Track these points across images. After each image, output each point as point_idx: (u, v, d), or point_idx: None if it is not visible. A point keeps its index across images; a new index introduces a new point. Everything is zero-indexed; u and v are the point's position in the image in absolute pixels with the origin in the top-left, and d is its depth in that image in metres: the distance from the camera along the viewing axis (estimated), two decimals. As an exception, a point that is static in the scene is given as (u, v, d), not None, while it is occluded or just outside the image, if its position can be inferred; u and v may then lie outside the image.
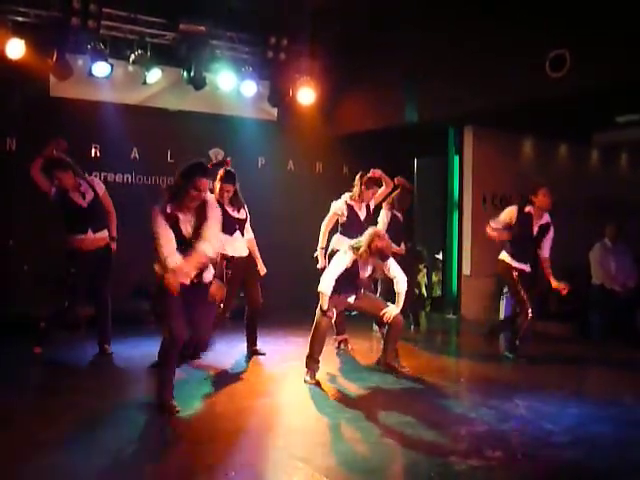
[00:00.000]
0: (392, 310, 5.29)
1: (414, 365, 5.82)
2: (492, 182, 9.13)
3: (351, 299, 5.38)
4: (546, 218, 6.00)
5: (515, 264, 5.96)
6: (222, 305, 5.77)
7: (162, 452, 3.73)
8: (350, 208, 6.29)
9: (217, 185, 5.79)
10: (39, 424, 4.08)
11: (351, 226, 6.10)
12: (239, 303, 6.16)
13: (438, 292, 9.98)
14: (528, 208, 5.96)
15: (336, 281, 5.15)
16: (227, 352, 6.18)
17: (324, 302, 5.14)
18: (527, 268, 6.01)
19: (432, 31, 7.73)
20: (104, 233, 5.83)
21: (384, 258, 5.19)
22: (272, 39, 8.21)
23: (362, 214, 6.30)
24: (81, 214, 5.72)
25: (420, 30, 7.86)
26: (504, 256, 6.06)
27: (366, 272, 5.34)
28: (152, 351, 5.85)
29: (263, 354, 6.10)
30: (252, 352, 6.11)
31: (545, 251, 5.99)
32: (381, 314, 5.32)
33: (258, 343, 6.18)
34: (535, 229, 5.95)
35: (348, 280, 5.24)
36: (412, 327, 7.65)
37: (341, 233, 6.28)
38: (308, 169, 9.38)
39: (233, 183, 5.86)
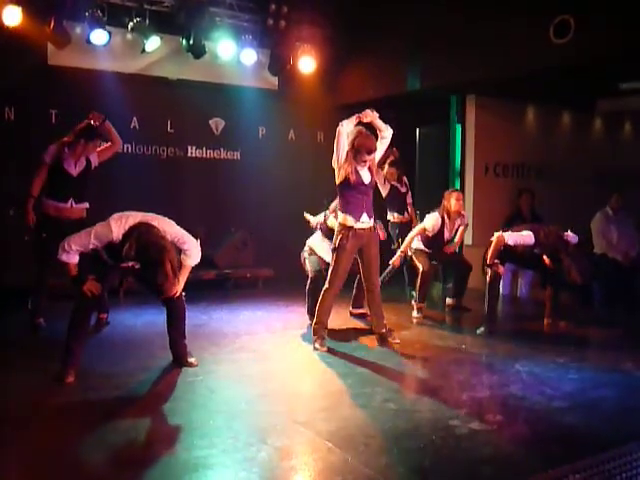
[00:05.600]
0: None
1: (416, 333, 5.86)
2: (494, 151, 9.08)
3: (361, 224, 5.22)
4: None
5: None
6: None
7: (163, 415, 3.76)
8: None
9: None
10: (43, 391, 4.12)
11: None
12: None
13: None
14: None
15: (345, 199, 5.16)
16: (229, 320, 6.21)
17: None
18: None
19: (434, -1, 7.62)
20: (84, 205, 5.75)
21: (370, 152, 5.09)
22: (272, 6, 8.07)
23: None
24: (68, 183, 5.64)
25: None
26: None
27: (367, 176, 5.22)
28: (154, 319, 5.90)
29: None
30: None
31: None
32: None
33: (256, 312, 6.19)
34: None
35: (354, 192, 5.16)
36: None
37: None
38: (309, 138, 9.31)
39: None
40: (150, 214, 4.39)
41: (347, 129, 5.12)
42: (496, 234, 5.81)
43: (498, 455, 3.32)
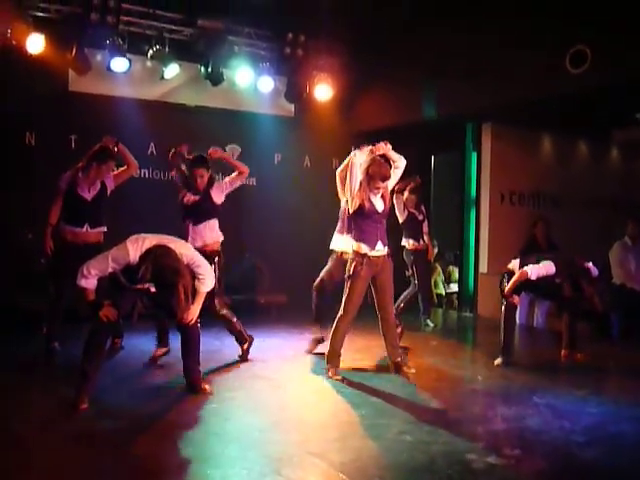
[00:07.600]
0: None
1: (431, 363, 5.80)
2: (510, 179, 9.08)
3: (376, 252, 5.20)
4: None
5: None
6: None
7: (176, 443, 3.72)
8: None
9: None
10: (57, 417, 4.11)
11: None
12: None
13: (454, 289, 9.95)
14: None
15: (359, 227, 5.12)
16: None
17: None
18: None
19: (450, 27, 7.67)
20: (100, 229, 5.78)
21: (384, 179, 5.07)
22: (290, 35, 8.19)
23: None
24: (82, 207, 5.67)
25: (438, 26, 7.81)
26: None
27: (380, 204, 5.19)
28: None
29: None
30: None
31: None
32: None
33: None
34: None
35: (368, 220, 5.14)
36: (429, 324, 7.67)
37: None
38: (325, 165, 9.32)
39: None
40: (167, 236, 4.41)
41: (360, 160, 5.13)
42: (513, 262, 5.75)
43: (516, 491, 3.27)
